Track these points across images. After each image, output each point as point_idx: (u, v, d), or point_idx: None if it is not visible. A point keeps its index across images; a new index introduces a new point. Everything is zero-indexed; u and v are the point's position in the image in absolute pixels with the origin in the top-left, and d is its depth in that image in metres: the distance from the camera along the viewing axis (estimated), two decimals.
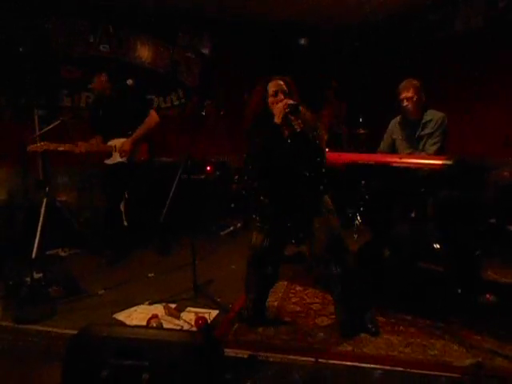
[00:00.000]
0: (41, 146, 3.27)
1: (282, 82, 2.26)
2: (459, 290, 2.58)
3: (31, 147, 3.28)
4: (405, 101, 2.86)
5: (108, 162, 3.61)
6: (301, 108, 2.18)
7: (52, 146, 3.35)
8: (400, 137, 2.98)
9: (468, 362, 1.99)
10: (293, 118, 2.13)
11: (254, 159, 2.31)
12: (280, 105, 2.16)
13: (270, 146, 2.21)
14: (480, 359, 2.00)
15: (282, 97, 2.21)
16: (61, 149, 3.39)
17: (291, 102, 2.15)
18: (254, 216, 2.39)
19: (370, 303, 2.43)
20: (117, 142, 3.61)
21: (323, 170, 2.28)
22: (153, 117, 3.73)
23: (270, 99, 2.23)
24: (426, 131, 2.82)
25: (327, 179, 2.32)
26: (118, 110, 3.59)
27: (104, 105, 3.63)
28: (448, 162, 2.48)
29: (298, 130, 2.12)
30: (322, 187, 2.30)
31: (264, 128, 2.24)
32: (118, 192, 3.76)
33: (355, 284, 2.31)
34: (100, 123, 3.64)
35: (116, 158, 3.61)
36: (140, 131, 3.63)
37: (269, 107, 2.23)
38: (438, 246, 2.73)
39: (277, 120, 2.16)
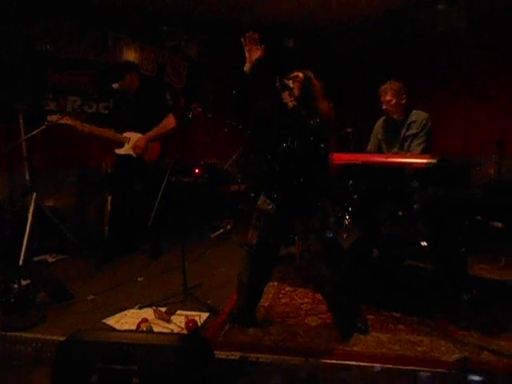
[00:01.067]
0: (61, 119, 3.26)
1: (299, 74, 2.29)
2: (446, 287, 2.62)
3: (51, 117, 3.28)
4: (384, 104, 2.93)
5: (118, 151, 3.64)
6: (317, 102, 2.25)
7: (71, 122, 3.36)
8: (384, 137, 3.02)
9: (455, 357, 2.02)
10: (286, 93, 2.23)
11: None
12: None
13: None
14: (467, 354, 2.03)
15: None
16: (79, 128, 3.39)
17: (281, 81, 2.24)
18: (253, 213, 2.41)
19: (360, 302, 2.45)
20: (131, 135, 3.64)
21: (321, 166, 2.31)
22: (170, 120, 3.76)
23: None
24: (411, 132, 2.87)
25: (327, 180, 2.35)
26: (139, 108, 3.63)
27: (127, 101, 3.67)
28: (432, 161, 2.52)
29: (291, 105, 2.22)
30: (320, 188, 2.31)
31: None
32: (123, 185, 3.74)
33: (347, 288, 2.33)
34: (119, 118, 3.67)
35: (126, 150, 3.64)
36: (156, 131, 3.68)
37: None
38: (426, 244, 2.76)
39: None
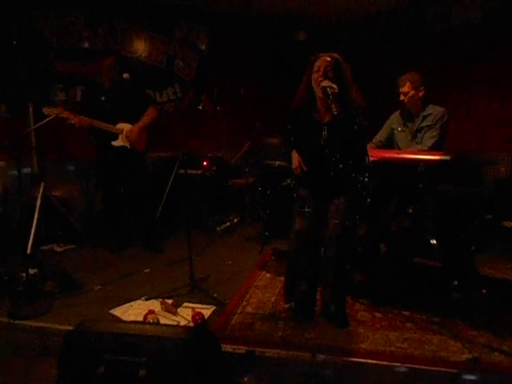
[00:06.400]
0: (56, 111, 3.26)
1: (328, 59, 2.19)
2: (455, 286, 2.59)
3: (46, 110, 3.28)
4: (401, 95, 2.92)
5: (114, 143, 3.65)
6: (350, 90, 2.18)
7: (66, 114, 3.36)
8: (399, 128, 3.01)
9: (465, 357, 2.00)
10: (330, 100, 2.11)
11: (292, 144, 2.38)
12: (318, 83, 2.16)
13: (308, 130, 2.25)
14: (476, 354, 2.01)
15: (321, 73, 2.17)
16: (73, 121, 3.39)
17: (325, 84, 2.12)
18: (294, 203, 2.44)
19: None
20: (124, 126, 3.64)
21: (361, 160, 2.27)
22: (152, 110, 3.82)
23: (314, 75, 2.20)
24: (426, 123, 2.86)
25: (364, 170, 2.31)
26: (121, 97, 3.64)
27: (107, 92, 3.66)
28: (445, 158, 2.48)
29: (335, 113, 2.10)
30: (354, 176, 2.28)
31: (306, 111, 2.26)
32: (118, 176, 3.75)
33: (347, 274, 2.34)
34: (102, 109, 3.64)
35: (122, 141, 3.65)
36: (145, 120, 3.72)
37: (312, 84, 2.22)
38: (435, 242, 2.73)
39: (318, 94, 2.19)
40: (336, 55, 2.22)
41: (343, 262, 2.31)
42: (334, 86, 2.10)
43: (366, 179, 2.34)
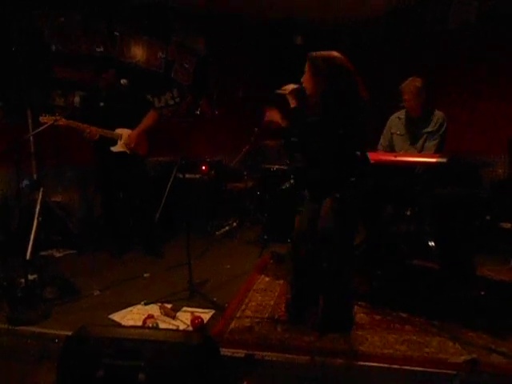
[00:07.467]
0: (53, 119, 3.27)
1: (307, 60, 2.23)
2: (454, 288, 2.59)
3: (43, 118, 3.30)
4: (406, 102, 2.95)
5: (113, 149, 3.67)
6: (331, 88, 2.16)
7: (63, 122, 3.37)
8: (399, 132, 3.03)
9: (463, 358, 2.00)
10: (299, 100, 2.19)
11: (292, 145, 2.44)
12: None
13: (302, 131, 2.28)
14: (475, 356, 2.01)
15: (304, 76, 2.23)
16: (72, 126, 3.42)
17: (293, 86, 2.20)
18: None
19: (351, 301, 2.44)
20: (122, 132, 3.66)
21: (350, 163, 2.27)
22: (152, 114, 3.84)
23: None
24: (428, 129, 2.90)
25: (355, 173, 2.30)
26: (120, 103, 3.66)
27: (106, 98, 3.68)
28: (442, 160, 2.49)
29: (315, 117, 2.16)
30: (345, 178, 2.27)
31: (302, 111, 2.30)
32: (117, 179, 3.77)
33: (340, 281, 2.30)
34: (101, 115, 3.65)
35: (121, 147, 3.67)
36: (145, 123, 3.74)
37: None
38: (433, 244, 2.74)
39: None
40: (312, 54, 2.22)
41: (330, 263, 2.25)
42: (291, 86, 2.21)
43: (357, 181, 2.33)
